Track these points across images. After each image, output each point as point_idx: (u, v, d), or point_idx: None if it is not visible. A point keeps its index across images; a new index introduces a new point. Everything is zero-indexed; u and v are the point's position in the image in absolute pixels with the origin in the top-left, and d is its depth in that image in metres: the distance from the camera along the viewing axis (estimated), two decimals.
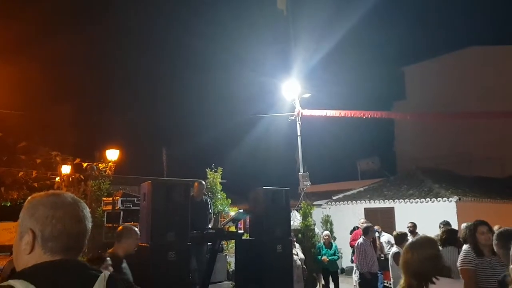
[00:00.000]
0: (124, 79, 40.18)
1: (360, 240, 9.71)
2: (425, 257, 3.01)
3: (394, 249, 7.68)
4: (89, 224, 1.75)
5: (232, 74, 38.92)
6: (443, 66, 29.04)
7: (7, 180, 18.76)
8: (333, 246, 12.26)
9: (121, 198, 11.27)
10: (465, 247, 4.90)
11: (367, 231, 9.73)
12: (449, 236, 6.42)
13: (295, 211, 14.60)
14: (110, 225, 11.41)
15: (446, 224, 8.69)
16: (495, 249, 4.26)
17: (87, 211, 1.76)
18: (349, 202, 18.89)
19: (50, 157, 17.22)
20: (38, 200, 1.70)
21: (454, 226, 13.50)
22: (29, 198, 1.74)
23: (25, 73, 19.23)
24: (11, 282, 1.52)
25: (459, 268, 4.67)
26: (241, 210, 9.83)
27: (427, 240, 3.28)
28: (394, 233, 8.55)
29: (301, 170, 15.90)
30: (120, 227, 5.34)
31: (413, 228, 11.04)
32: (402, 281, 3.10)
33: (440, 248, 5.42)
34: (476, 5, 41.72)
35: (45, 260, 1.61)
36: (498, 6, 39.13)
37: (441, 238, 6.36)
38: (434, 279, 2.91)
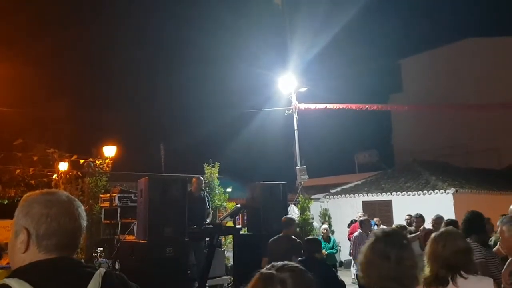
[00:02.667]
0: (121, 74, 40.11)
1: (356, 233, 9.74)
2: (457, 250, 2.99)
3: None
4: (84, 222, 1.74)
5: (229, 68, 38.90)
6: (439, 58, 29.03)
7: (4, 178, 18.72)
8: (332, 240, 12.29)
9: (119, 195, 11.23)
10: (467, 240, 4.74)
11: (362, 224, 9.75)
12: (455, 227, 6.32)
13: (292, 205, 14.62)
14: (108, 221, 11.40)
15: (438, 217, 8.64)
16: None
17: (82, 209, 1.75)
18: (347, 195, 18.91)
19: (47, 154, 17.12)
20: (32, 198, 1.69)
21: (452, 218, 13.55)
22: (24, 196, 1.73)
23: (21, 70, 19.16)
24: (5, 280, 1.52)
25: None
26: (238, 205, 9.84)
27: (457, 233, 3.26)
28: (394, 226, 8.53)
29: (299, 164, 15.92)
30: (283, 218, 7.41)
31: (410, 221, 11.06)
32: (427, 271, 3.04)
33: None
34: None
35: (40, 258, 1.61)
36: None
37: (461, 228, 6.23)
38: (464, 274, 2.88)
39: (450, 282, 2.89)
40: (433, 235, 3.28)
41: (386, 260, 2.11)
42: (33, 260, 1.60)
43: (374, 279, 2.14)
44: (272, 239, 7.11)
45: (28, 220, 1.63)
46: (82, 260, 1.82)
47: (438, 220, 8.35)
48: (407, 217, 11.17)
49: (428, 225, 8.63)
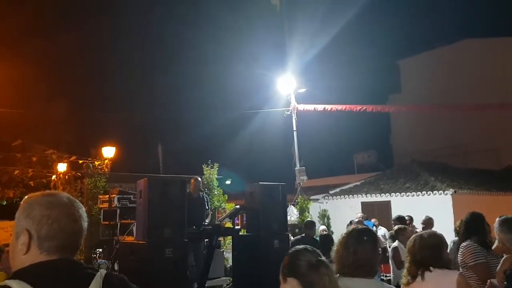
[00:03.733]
0: (119, 75, 40.10)
1: None
2: (424, 246, 3.18)
3: (395, 244, 7.60)
4: (85, 224, 1.75)
5: (227, 69, 38.88)
6: (438, 58, 29.06)
7: (3, 179, 18.64)
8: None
9: (118, 196, 11.23)
10: (467, 242, 4.66)
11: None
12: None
13: (291, 206, 14.63)
14: (107, 222, 11.39)
15: (428, 218, 8.65)
16: (499, 236, 4.22)
17: (82, 210, 1.76)
18: (345, 196, 18.91)
19: (46, 155, 17.09)
20: (34, 200, 1.69)
21: (451, 218, 13.58)
22: (25, 198, 1.73)
23: (19, 70, 19.13)
24: (7, 282, 1.52)
25: (472, 264, 4.45)
26: (237, 206, 9.84)
27: (432, 232, 3.45)
28: (396, 227, 8.37)
29: (298, 164, 15.93)
30: (306, 222, 9.86)
31: (409, 222, 11.05)
32: (405, 268, 3.30)
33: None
34: None
35: (41, 260, 1.61)
36: None
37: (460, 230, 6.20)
38: (431, 268, 3.06)
39: (419, 277, 3.10)
40: (414, 235, 3.48)
41: (347, 251, 2.65)
42: (34, 261, 1.61)
43: (338, 265, 2.69)
44: (296, 238, 9.10)
45: (29, 222, 1.64)
46: (82, 262, 1.82)
47: (428, 221, 8.34)
48: (406, 218, 11.16)
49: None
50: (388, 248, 12.52)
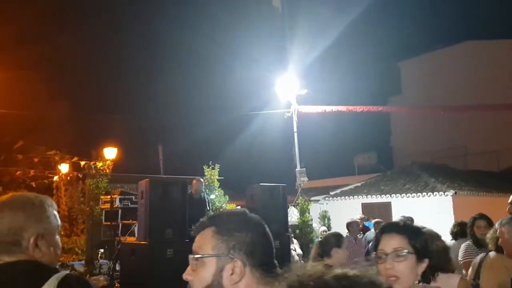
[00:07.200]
0: (120, 76, 40.14)
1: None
2: (437, 250, 3.03)
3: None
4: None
5: (229, 71, 38.93)
6: (438, 60, 29.07)
7: (4, 179, 18.73)
8: None
9: (119, 196, 11.29)
10: (466, 242, 5.01)
11: (349, 228, 8.56)
12: (461, 229, 6.39)
13: (292, 207, 14.66)
14: (109, 223, 11.45)
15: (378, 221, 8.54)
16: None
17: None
18: (346, 197, 18.95)
19: (48, 156, 17.15)
20: None
21: (451, 219, 13.61)
22: None
23: (21, 72, 19.20)
24: None
25: (461, 262, 4.73)
26: (238, 207, 9.89)
27: (435, 233, 3.32)
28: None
29: (298, 166, 15.96)
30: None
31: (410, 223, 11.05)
32: None
33: (453, 241, 5.76)
34: None
35: None
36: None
37: (452, 232, 6.35)
38: (439, 273, 2.92)
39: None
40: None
41: None
42: None
43: None
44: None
45: None
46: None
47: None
48: (401, 217, 11.16)
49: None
50: None
